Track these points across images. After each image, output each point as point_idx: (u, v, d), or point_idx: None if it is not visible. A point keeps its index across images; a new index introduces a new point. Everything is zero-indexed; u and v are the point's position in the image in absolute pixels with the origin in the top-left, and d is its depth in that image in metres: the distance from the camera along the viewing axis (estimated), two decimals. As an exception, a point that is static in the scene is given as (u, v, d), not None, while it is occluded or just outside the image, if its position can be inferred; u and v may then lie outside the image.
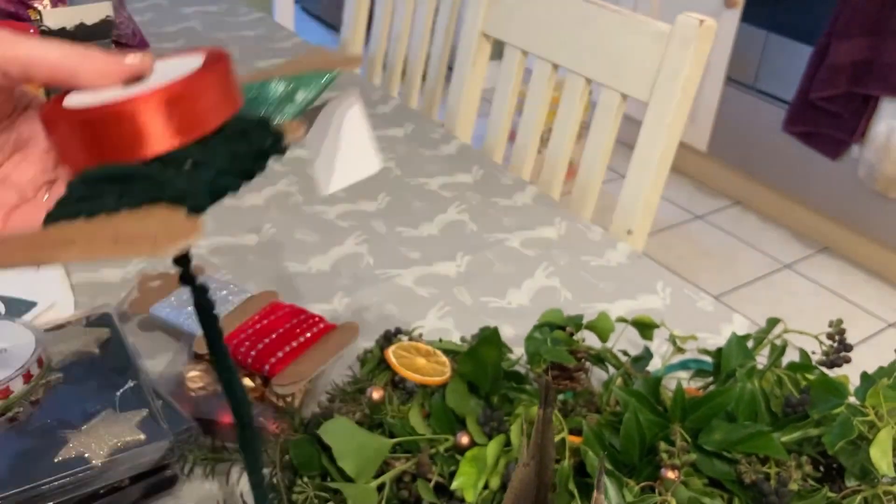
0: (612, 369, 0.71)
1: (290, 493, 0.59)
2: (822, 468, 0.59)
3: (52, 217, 0.36)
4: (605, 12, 1.07)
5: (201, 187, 0.36)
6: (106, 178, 0.36)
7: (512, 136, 1.42)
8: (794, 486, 0.53)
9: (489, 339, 0.63)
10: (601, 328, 0.67)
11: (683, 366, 0.69)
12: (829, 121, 2.31)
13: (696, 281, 2.35)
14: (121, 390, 0.60)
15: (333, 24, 3.82)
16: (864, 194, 2.34)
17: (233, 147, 0.38)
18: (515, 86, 1.22)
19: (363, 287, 0.89)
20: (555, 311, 0.68)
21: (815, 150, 2.38)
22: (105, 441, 0.55)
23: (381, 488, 0.58)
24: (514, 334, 0.82)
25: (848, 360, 0.61)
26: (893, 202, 2.28)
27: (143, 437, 0.56)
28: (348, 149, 0.50)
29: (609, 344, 0.71)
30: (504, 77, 1.23)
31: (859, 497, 0.53)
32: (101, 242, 0.33)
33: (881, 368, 0.57)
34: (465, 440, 0.61)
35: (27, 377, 0.59)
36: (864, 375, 0.57)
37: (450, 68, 1.39)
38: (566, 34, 1.11)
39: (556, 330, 0.66)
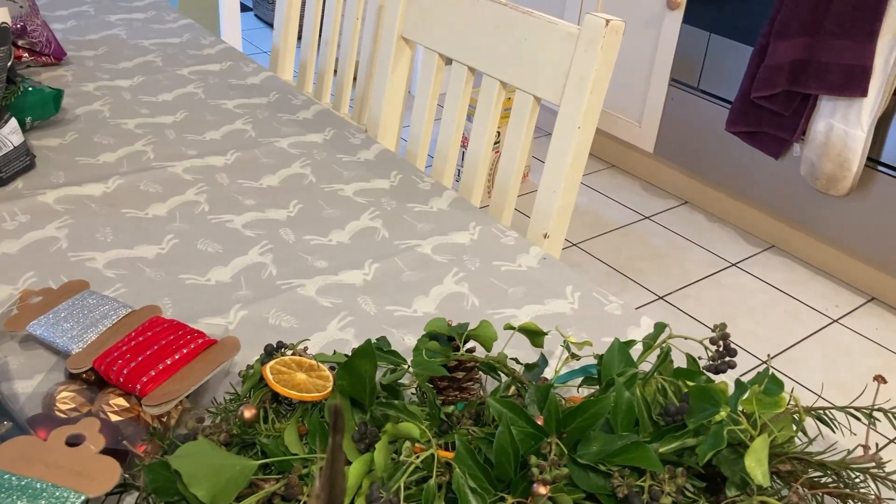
0: (505, 378, 0.69)
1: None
2: (705, 478, 0.57)
3: None
4: (517, 14, 1.05)
5: None
6: None
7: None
8: (665, 501, 0.52)
9: (363, 351, 0.60)
10: (484, 336, 0.65)
11: (573, 374, 0.67)
12: (770, 120, 2.32)
13: (644, 281, 2.35)
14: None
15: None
16: (806, 192, 2.35)
17: None
18: (435, 90, 1.20)
19: (263, 299, 0.86)
20: (438, 321, 0.66)
21: (758, 149, 2.39)
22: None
23: (246, 512, 0.56)
24: (414, 344, 0.80)
25: (732, 366, 0.60)
26: (834, 200, 2.29)
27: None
28: None
29: (508, 351, 0.69)
30: (423, 81, 1.20)
31: (733, 510, 0.52)
32: None
33: (757, 374, 0.55)
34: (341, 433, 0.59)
35: None
36: (738, 383, 0.55)
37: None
38: (481, 37, 1.10)
39: (431, 341, 0.64)
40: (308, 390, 0.64)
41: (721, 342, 0.60)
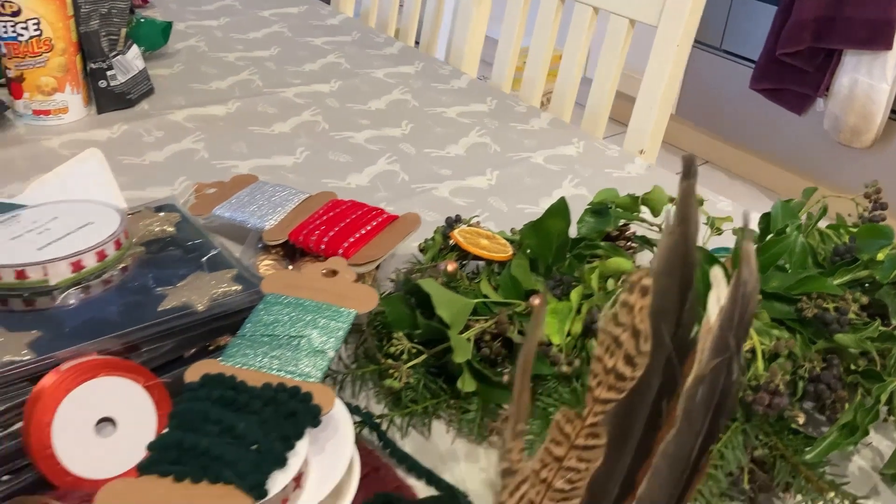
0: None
1: (381, 348, 0.62)
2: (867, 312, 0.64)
3: (143, 469, 0.45)
4: (611, -57, 1.12)
5: (261, 467, 0.45)
6: (182, 448, 0.45)
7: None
8: (852, 315, 0.59)
9: (556, 210, 0.67)
10: (655, 200, 0.72)
11: (717, 251, 0.74)
12: (794, 77, 2.40)
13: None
14: (206, 256, 0.63)
15: None
16: (828, 147, 2.44)
17: (284, 428, 0.47)
18: (521, 20, 1.26)
19: (403, 199, 0.92)
20: (609, 190, 0.73)
21: (782, 105, 2.47)
22: (203, 292, 0.58)
23: (467, 345, 0.62)
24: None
25: (884, 218, 0.67)
26: (857, 152, 2.38)
27: (238, 287, 0.59)
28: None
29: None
30: (510, 9, 1.27)
31: (909, 324, 0.59)
32: None
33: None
34: (537, 301, 0.66)
35: (117, 244, 0.61)
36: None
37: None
38: (573, -33, 1.16)
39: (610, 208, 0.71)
40: (494, 252, 0.71)
41: (874, 196, 0.67)
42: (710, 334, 0.37)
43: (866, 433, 0.55)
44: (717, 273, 0.38)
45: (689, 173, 0.39)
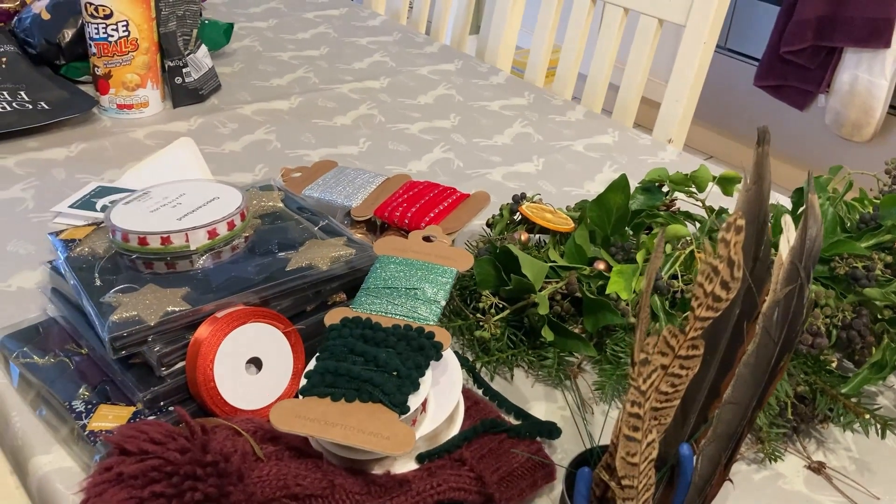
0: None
1: (468, 304, 0.72)
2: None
3: (305, 391, 0.54)
4: (640, -51, 1.21)
5: (402, 389, 0.54)
6: (338, 374, 0.55)
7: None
8: (878, 273, 0.69)
9: (617, 185, 0.77)
10: (700, 178, 0.81)
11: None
12: (796, 74, 2.51)
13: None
14: (318, 226, 0.72)
15: None
16: (830, 141, 2.55)
17: (416, 359, 0.57)
18: (554, 20, 1.36)
19: (460, 182, 1.01)
20: (659, 170, 0.82)
21: (785, 101, 2.57)
22: (323, 254, 0.67)
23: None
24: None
25: (901, 192, 0.77)
26: (857, 146, 2.49)
27: (352, 250, 0.68)
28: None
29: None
30: (544, 11, 1.36)
31: (927, 280, 0.68)
32: (354, 432, 0.52)
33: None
34: (601, 265, 0.75)
35: (242, 216, 0.70)
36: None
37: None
38: (604, -29, 1.26)
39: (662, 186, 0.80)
40: (556, 224, 0.80)
41: (894, 171, 0.77)
42: (782, 268, 0.46)
43: (894, 368, 0.65)
44: (787, 219, 0.48)
45: (762, 140, 0.49)
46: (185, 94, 1.14)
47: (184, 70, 1.13)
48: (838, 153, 2.54)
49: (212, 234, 0.68)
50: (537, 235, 0.84)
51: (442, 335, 0.59)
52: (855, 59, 2.37)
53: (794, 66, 2.49)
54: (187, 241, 0.67)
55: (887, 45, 2.28)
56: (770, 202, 0.50)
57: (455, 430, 0.60)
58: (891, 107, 2.38)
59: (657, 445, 0.43)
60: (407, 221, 0.81)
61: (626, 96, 1.27)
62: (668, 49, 2.91)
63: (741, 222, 0.43)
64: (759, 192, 0.48)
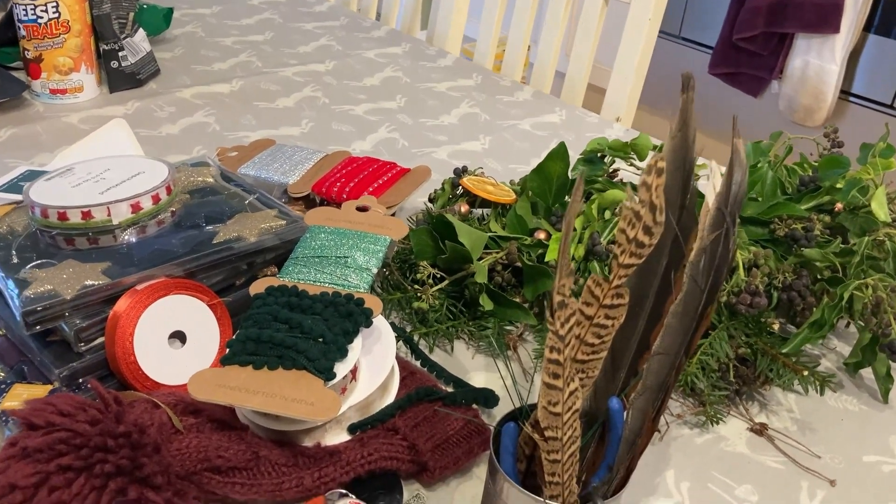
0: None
1: (407, 277, 0.70)
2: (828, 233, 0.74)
3: (226, 360, 0.52)
4: (585, -73, 1.21)
5: (328, 355, 0.52)
6: (261, 341, 0.53)
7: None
8: (817, 233, 0.68)
9: (556, 154, 0.75)
10: (640, 146, 0.80)
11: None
12: (749, 61, 2.52)
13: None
14: (248, 199, 0.70)
15: None
16: (784, 126, 2.57)
17: (344, 325, 0.55)
18: (500, 10, 1.35)
19: (405, 161, 1.00)
20: (600, 139, 0.81)
21: (739, 88, 2.59)
22: (253, 226, 0.65)
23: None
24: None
25: (841, 145, 0.76)
26: (810, 130, 2.51)
27: (282, 222, 0.66)
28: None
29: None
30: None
31: (866, 240, 0.68)
32: (276, 399, 0.50)
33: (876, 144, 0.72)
34: (542, 235, 0.74)
35: (168, 189, 0.68)
36: (864, 146, 0.72)
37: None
38: (549, -50, 1.25)
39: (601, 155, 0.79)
40: (497, 196, 0.79)
41: (833, 135, 0.77)
42: (708, 214, 0.45)
43: (832, 327, 0.64)
44: (714, 165, 0.46)
45: (686, 87, 0.47)
46: (121, 79, 1.10)
47: (119, 54, 1.09)
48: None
49: (135, 207, 0.65)
50: (480, 210, 0.83)
51: (372, 302, 0.57)
52: (805, 45, 2.39)
53: (747, 53, 2.51)
54: (109, 215, 0.65)
55: (836, 30, 2.31)
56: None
57: (389, 399, 0.58)
58: (842, 91, 2.41)
59: (581, 395, 0.42)
60: (345, 196, 0.79)
61: (574, 76, 1.26)
62: (618, 36, 2.92)
63: (662, 164, 0.42)
64: (685, 140, 0.47)
